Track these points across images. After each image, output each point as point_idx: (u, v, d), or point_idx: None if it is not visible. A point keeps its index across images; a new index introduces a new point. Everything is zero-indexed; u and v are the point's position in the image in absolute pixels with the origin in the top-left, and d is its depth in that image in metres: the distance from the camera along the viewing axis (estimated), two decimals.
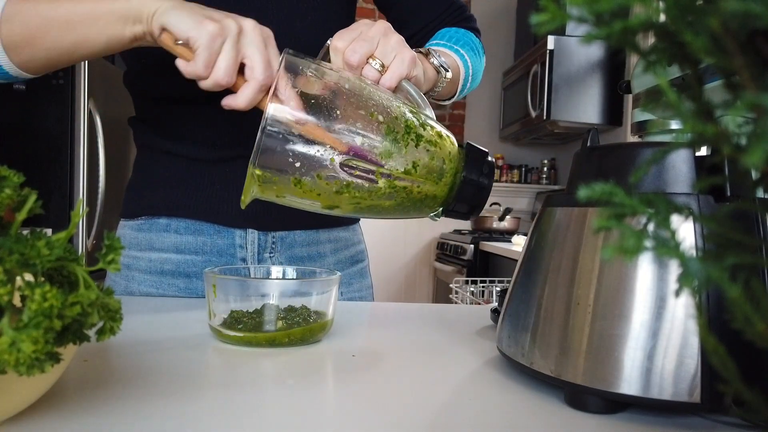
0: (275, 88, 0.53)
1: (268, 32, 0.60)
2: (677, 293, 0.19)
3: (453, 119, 3.90)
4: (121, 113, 2.59)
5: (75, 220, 0.32)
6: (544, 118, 2.95)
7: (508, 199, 3.75)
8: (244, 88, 0.57)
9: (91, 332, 0.34)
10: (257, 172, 0.54)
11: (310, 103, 0.53)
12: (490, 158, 0.59)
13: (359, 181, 0.54)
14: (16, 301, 0.30)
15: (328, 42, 0.61)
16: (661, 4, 0.18)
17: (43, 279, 0.32)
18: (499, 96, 3.82)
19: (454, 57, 0.79)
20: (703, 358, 0.37)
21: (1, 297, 0.28)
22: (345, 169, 0.53)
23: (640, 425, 0.39)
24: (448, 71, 0.72)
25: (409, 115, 0.56)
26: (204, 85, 0.57)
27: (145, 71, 0.82)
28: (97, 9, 0.61)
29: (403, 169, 0.54)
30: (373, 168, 0.54)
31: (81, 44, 0.62)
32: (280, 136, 0.52)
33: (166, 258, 0.83)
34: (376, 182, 0.54)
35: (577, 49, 2.92)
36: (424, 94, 0.64)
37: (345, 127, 0.53)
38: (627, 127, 2.89)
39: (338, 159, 0.53)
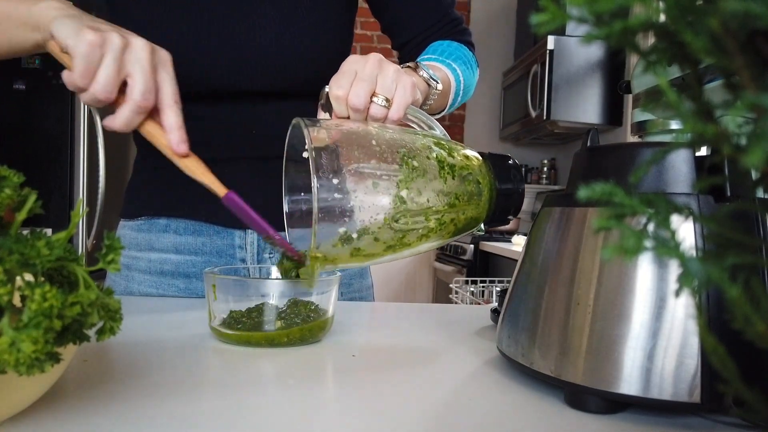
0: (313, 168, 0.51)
1: (164, 56, 0.58)
2: (677, 293, 0.19)
3: (453, 119, 3.90)
4: None
5: (75, 220, 0.32)
6: (544, 118, 2.94)
7: None
8: (121, 108, 0.55)
9: (91, 332, 0.34)
10: (318, 255, 0.53)
11: (347, 169, 0.52)
12: (511, 161, 0.60)
13: (412, 228, 0.55)
14: (16, 301, 0.30)
15: (326, 89, 0.60)
16: (661, 4, 0.18)
17: (43, 279, 0.32)
18: (499, 96, 3.82)
19: (445, 70, 0.78)
20: (703, 358, 0.37)
21: (1, 297, 0.28)
22: (398, 225, 0.54)
23: (640, 425, 0.39)
24: (438, 83, 0.71)
25: (435, 148, 0.56)
26: (84, 98, 0.55)
27: None
28: (15, 9, 0.60)
29: (448, 204, 0.55)
30: (422, 215, 0.54)
31: None
32: (332, 215, 0.52)
33: (166, 258, 0.83)
34: (430, 226, 0.55)
35: (577, 49, 2.92)
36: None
37: (386, 184, 0.53)
38: (627, 127, 2.89)
39: (390, 218, 0.53)
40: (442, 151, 0.56)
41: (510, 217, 0.61)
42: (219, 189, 0.58)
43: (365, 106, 0.58)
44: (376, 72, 0.59)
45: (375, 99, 0.58)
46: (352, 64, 0.60)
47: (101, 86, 0.53)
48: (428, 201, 0.54)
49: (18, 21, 0.60)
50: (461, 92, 0.83)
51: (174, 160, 0.58)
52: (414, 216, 0.54)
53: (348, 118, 0.59)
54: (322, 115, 0.63)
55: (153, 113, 0.57)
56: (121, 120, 0.55)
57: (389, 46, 0.95)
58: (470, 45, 0.91)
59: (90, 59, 0.53)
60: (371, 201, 0.53)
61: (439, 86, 0.71)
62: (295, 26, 0.79)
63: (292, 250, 0.57)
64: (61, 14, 0.57)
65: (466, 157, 0.58)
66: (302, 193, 0.62)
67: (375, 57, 0.61)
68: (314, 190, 0.50)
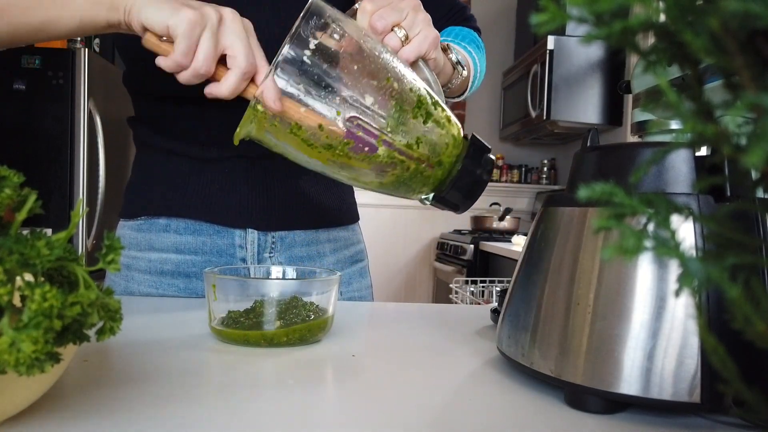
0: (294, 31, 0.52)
1: (249, 24, 0.59)
2: (677, 293, 0.19)
3: None
4: (121, 113, 2.59)
5: (75, 220, 0.32)
6: (544, 118, 2.95)
7: (508, 199, 3.75)
8: (227, 75, 0.56)
9: (91, 332, 0.34)
10: (259, 107, 0.53)
11: (328, 53, 0.53)
12: (491, 155, 0.59)
13: (359, 143, 0.54)
14: (16, 301, 0.30)
15: (357, 4, 0.61)
16: (661, 4, 0.18)
17: (43, 279, 0.32)
18: (499, 96, 3.82)
19: (465, 54, 0.79)
20: (703, 358, 0.37)
21: (1, 297, 0.28)
22: (348, 125, 0.53)
23: (640, 425, 0.39)
24: (464, 69, 0.72)
25: (423, 91, 0.56)
26: (183, 76, 0.56)
27: (145, 71, 0.82)
28: None
29: (405, 142, 0.54)
30: (376, 132, 0.54)
31: (51, 23, 0.61)
32: (294, 71, 0.52)
33: (166, 258, 0.83)
34: (376, 149, 0.54)
35: (577, 49, 2.92)
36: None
37: (358, 85, 0.53)
38: (627, 127, 2.89)
39: (345, 113, 0.53)
40: (428, 97, 0.56)
41: (461, 205, 0.60)
42: (336, 127, 0.57)
43: (384, 30, 0.58)
44: (408, 10, 0.60)
45: (396, 30, 0.59)
46: None
47: (201, 62, 0.55)
48: (387, 123, 0.54)
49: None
50: (478, 76, 0.84)
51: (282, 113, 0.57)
52: (367, 128, 0.53)
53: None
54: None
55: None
56: (227, 87, 0.56)
57: None
58: (478, 30, 0.92)
59: (192, 37, 0.54)
60: (338, 87, 0.53)
61: (464, 72, 0.72)
62: (293, 19, 0.79)
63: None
64: (143, 1, 0.56)
65: (448, 120, 0.57)
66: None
67: (415, 0, 0.61)
68: (292, 32, 0.52)
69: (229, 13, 0.57)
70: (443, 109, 0.57)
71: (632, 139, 0.80)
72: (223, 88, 0.56)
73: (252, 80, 0.57)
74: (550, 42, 2.90)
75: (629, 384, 0.38)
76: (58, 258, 0.31)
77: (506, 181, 3.81)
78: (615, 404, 0.40)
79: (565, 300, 0.42)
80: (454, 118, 0.58)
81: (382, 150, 0.54)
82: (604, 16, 0.18)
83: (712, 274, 0.18)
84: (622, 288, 0.39)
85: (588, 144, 0.48)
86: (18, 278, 0.30)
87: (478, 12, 3.78)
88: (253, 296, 0.57)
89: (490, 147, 0.60)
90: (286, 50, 0.52)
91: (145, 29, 0.57)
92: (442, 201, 0.60)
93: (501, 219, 3.31)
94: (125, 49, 0.83)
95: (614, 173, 0.44)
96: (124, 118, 0.97)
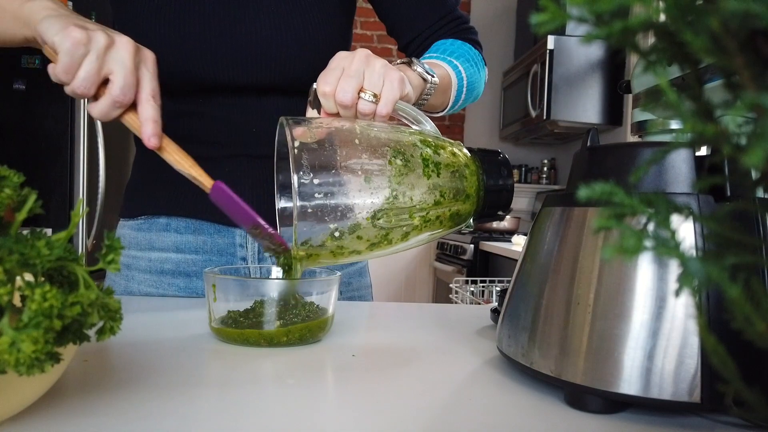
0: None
1: (147, 55, 0.60)
2: (677, 293, 0.19)
3: (453, 119, 3.90)
4: None
5: (75, 220, 0.32)
6: (544, 117, 2.94)
7: None
8: (100, 99, 0.57)
9: (91, 332, 0.34)
10: (301, 253, 0.55)
11: (328, 170, 0.53)
12: (502, 157, 0.60)
13: (396, 226, 0.55)
14: (16, 301, 0.30)
15: (314, 86, 0.61)
16: (661, 4, 0.18)
17: (43, 279, 0.32)
18: (499, 96, 3.82)
19: (444, 66, 0.78)
20: (703, 358, 0.37)
21: (1, 297, 0.28)
22: (379, 224, 0.54)
23: (640, 425, 0.39)
24: (433, 77, 0.70)
25: (421, 145, 0.56)
26: (66, 90, 0.57)
27: None
28: (8, 3, 0.64)
29: (433, 202, 0.55)
30: (406, 212, 0.55)
31: None
32: (314, 214, 0.53)
33: (166, 257, 0.83)
34: (414, 224, 0.56)
35: (577, 49, 2.92)
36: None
37: (371, 183, 0.53)
38: (627, 127, 2.89)
39: (372, 215, 0.54)
40: (427, 148, 0.56)
41: (500, 213, 0.61)
42: (205, 180, 0.60)
43: (353, 102, 0.58)
44: (363, 67, 0.59)
45: (363, 95, 0.58)
46: (339, 60, 0.60)
47: (80, 81, 0.56)
48: (412, 199, 0.54)
49: (10, 14, 0.63)
50: (464, 89, 0.82)
51: (159, 153, 0.61)
52: (397, 214, 0.54)
53: (337, 114, 0.60)
54: (310, 112, 0.63)
55: (135, 107, 0.60)
56: (98, 109, 0.58)
57: (390, 47, 0.95)
58: (475, 43, 0.90)
59: (73, 55, 0.55)
60: (354, 200, 0.53)
61: (435, 80, 0.71)
62: (293, 19, 0.79)
63: (281, 240, 0.56)
64: (50, 14, 0.59)
65: (453, 153, 0.58)
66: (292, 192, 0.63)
67: (362, 52, 0.60)
68: (294, 188, 0.51)
69: (121, 41, 0.58)
70: (444, 147, 0.58)
71: (632, 138, 0.80)
72: (93, 110, 0.58)
73: (132, 109, 0.59)
74: (550, 42, 2.90)
75: (629, 384, 0.38)
76: (58, 258, 0.31)
77: None
78: (615, 404, 0.40)
79: (565, 300, 0.42)
80: (455, 146, 0.59)
81: (417, 220, 0.55)
82: (604, 16, 0.18)
83: (712, 274, 0.18)
84: (622, 288, 0.39)
85: (588, 144, 0.48)
86: (18, 278, 0.30)
87: (478, 12, 3.79)
88: (252, 296, 0.57)
89: (497, 150, 0.61)
90: (298, 193, 0.52)
91: (39, 35, 0.59)
92: (483, 220, 0.61)
93: (501, 219, 3.31)
94: None
95: (614, 173, 0.44)
96: None
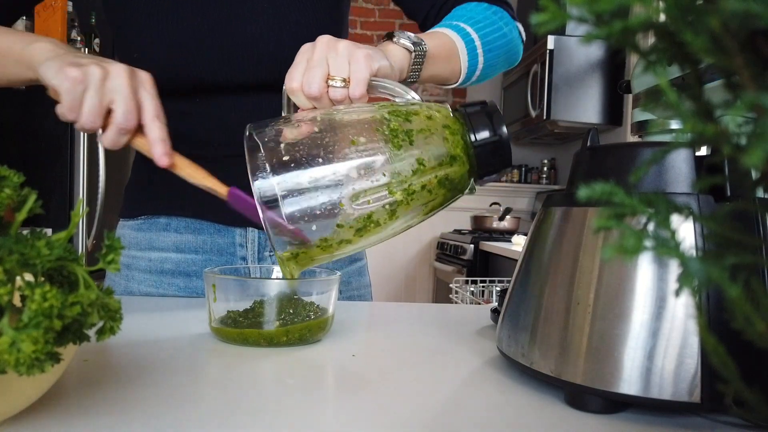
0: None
1: (143, 77, 0.61)
2: (677, 293, 0.19)
3: None
4: None
5: (75, 220, 0.32)
6: (544, 117, 2.94)
7: (508, 199, 3.75)
8: (107, 130, 0.59)
9: (91, 332, 0.34)
10: (284, 255, 0.54)
11: (290, 165, 0.52)
12: (489, 106, 0.55)
13: (377, 206, 0.52)
14: (16, 301, 0.30)
15: (284, 87, 0.60)
16: (661, 4, 0.18)
17: (43, 279, 0.32)
18: (499, 96, 3.82)
19: (445, 32, 0.74)
20: (703, 358, 0.37)
21: (1, 297, 0.28)
22: (358, 205, 0.52)
23: (640, 425, 0.39)
24: (421, 45, 0.67)
25: (388, 116, 0.53)
26: (77, 127, 0.59)
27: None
28: (10, 48, 0.67)
29: (411, 172, 0.52)
30: (383, 189, 0.52)
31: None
32: (280, 216, 0.52)
33: (166, 257, 0.83)
34: (396, 199, 0.52)
35: (577, 48, 2.92)
36: (407, 79, 0.62)
37: (335, 167, 0.52)
38: (627, 127, 2.89)
39: (346, 200, 0.52)
40: (396, 119, 0.53)
41: (502, 169, 0.56)
42: (220, 188, 0.59)
43: (321, 92, 0.57)
44: (326, 54, 0.58)
45: (331, 82, 0.57)
46: (302, 54, 0.59)
47: (86, 117, 0.58)
48: (384, 175, 0.51)
49: (14, 58, 0.66)
50: (480, 51, 0.77)
51: (171, 170, 0.62)
52: (374, 193, 0.52)
53: (314, 108, 0.58)
54: (285, 112, 0.62)
55: (142, 129, 0.61)
56: (107, 140, 0.60)
57: None
58: (501, 3, 0.86)
59: (74, 94, 0.57)
60: (324, 191, 0.51)
61: (424, 47, 0.67)
62: (289, 17, 0.79)
63: (302, 235, 0.55)
64: (48, 56, 0.61)
65: (428, 117, 0.54)
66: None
67: (323, 39, 0.59)
68: (257, 195, 0.51)
69: (115, 70, 0.59)
70: (418, 113, 0.54)
71: (632, 138, 0.80)
72: (104, 141, 0.60)
73: (140, 133, 0.61)
74: (550, 42, 2.90)
75: (629, 384, 0.38)
76: (58, 258, 0.31)
77: (506, 181, 3.81)
78: (615, 404, 0.40)
79: (565, 300, 0.42)
80: (434, 108, 0.55)
81: (399, 195, 0.52)
82: (604, 16, 0.18)
83: (712, 274, 0.18)
84: (622, 288, 0.39)
85: (588, 144, 0.48)
86: (18, 278, 0.30)
87: None
88: (252, 296, 0.57)
89: (485, 101, 0.56)
90: (257, 190, 0.52)
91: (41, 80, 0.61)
92: (485, 179, 0.57)
93: (501, 219, 3.31)
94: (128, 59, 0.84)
95: (614, 173, 0.44)
96: None
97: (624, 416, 0.40)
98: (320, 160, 0.52)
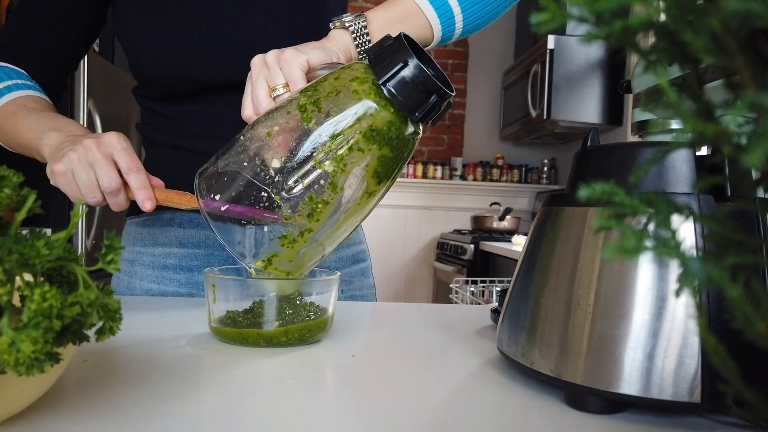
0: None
1: (108, 140, 0.66)
2: (677, 293, 0.19)
3: (453, 119, 3.90)
4: (120, 113, 2.59)
5: (74, 220, 0.32)
6: (544, 117, 2.95)
7: (508, 199, 3.75)
8: (112, 199, 0.66)
9: (91, 332, 0.34)
10: (254, 266, 0.56)
11: (222, 179, 0.54)
12: (394, 40, 0.51)
13: (312, 184, 0.52)
14: (16, 301, 0.30)
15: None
16: (661, 3, 0.18)
17: (42, 279, 0.32)
18: (499, 96, 3.82)
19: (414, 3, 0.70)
20: (704, 358, 0.37)
21: (1, 297, 0.28)
22: (294, 192, 0.52)
23: (640, 425, 0.39)
24: (358, 19, 0.65)
25: (298, 95, 0.54)
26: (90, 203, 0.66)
27: (152, 85, 0.84)
28: (26, 137, 0.75)
29: (329, 137, 0.50)
30: (311, 164, 0.51)
31: (21, 149, 0.78)
32: (229, 228, 0.54)
33: (169, 252, 0.84)
34: (328, 171, 0.51)
35: (578, 48, 2.92)
36: (360, 54, 0.63)
37: (258, 165, 0.53)
38: (627, 127, 2.89)
39: (279, 192, 0.52)
40: (304, 94, 0.53)
41: (432, 99, 0.50)
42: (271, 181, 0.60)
43: (268, 106, 0.59)
44: (261, 72, 0.60)
45: (274, 93, 0.59)
46: (246, 83, 0.63)
47: (87, 196, 0.65)
48: (308, 152, 0.51)
49: (30, 148, 0.75)
50: (456, 8, 0.72)
51: (162, 205, 0.69)
52: (303, 175, 0.51)
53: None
54: None
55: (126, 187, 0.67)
56: (112, 204, 0.67)
57: None
58: None
59: (69, 184, 0.66)
60: (254, 191, 0.52)
61: (362, 20, 0.65)
62: (284, 14, 0.80)
63: (271, 216, 0.55)
64: (48, 153, 0.70)
65: (336, 78, 0.53)
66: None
67: (256, 60, 0.62)
68: (205, 217, 0.55)
69: (88, 144, 0.65)
70: (323, 80, 0.53)
71: (632, 138, 0.79)
72: (112, 208, 0.68)
73: (126, 189, 0.67)
74: (551, 41, 2.90)
75: (629, 384, 0.38)
76: (57, 258, 0.31)
77: (506, 181, 3.81)
78: (615, 404, 0.40)
79: (566, 300, 0.42)
80: (348, 67, 0.53)
81: (329, 166, 0.51)
82: (605, 16, 0.18)
83: (713, 274, 0.18)
84: (622, 288, 0.39)
85: (588, 144, 0.48)
86: (18, 278, 0.30)
87: None
88: (252, 296, 0.57)
89: (386, 35, 0.52)
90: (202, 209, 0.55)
91: None
92: (424, 119, 0.52)
93: (501, 219, 3.31)
94: (134, 69, 0.85)
95: (614, 173, 0.44)
96: (123, 118, 0.99)
97: (624, 416, 0.40)
98: (245, 164, 0.53)
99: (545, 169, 3.82)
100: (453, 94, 0.53)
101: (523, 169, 3.83)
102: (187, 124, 0.84)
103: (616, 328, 0.39)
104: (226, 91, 0.81)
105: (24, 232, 0.32)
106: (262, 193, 0.52)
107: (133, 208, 0.88)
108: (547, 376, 0.42)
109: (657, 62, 0.19)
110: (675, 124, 0.62)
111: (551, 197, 0.48)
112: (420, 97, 0.50)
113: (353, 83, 0.51)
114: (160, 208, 0.85)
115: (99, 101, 2.53)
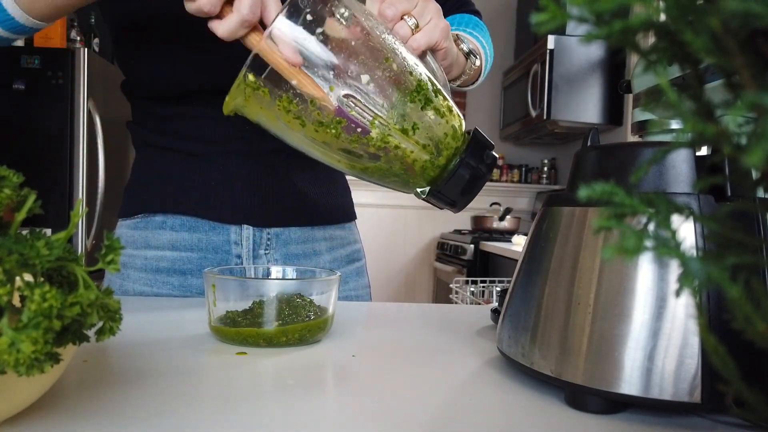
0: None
1: None
2: (677, 293, 0.19)
3: None
4: (120, 113, 2.59)
5: (74, 220, 0.32)
6: (545, 117, 2.95)
7: (508, 199, 3.75)
8: (227, 17, 0.54)
9: (91, 332, 0.34)
10: (250, 77, 0.51)
11: (330, 23, 0.51)
12: (494, 152, 0.58)
13: (351, 122, 0.51)
14: (16, 301, 0.30)
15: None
16: (661, 3, 0.18)
17: (42, 279, 0.32)
18: (499, 96, 3.82)
19: (475, 42, 0.78)
20: (704, 358, 0.37)
21: (1, 297, 0.28)
22: (341, 102, 0.51)
23: (640, 425, 0.39)
24: (477, 58, 0.70)
25: (424, 77, 0.54)
26: (189, 8, 0.55)
27: (139, 78, 0.84)
28: None
29: (401, 127, 0.52)
30: (370, 114, 0.51)
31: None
32: (295, 28, 0.50)
33: (162, 255, 0.83)
34: (369, 131, 0.52)
35: (578, 48, 2.92)
36: (453, 80, 0.63)
37: (355, 62, 0.51)
38: (627, 127, 2.89)
39: (339, 90, 0.51)
40: (429, 84, 0.54)
41: (458, 201, 0.57)
42: (328, 102, 0.54)
43: (394, 19, 0.57)
44: (418, 1, 0.59)
45: (406, 18, 0.58)
46: None
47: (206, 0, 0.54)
48: (382, 106, 0.51)
49: None
50: (489, 61, 0.82)
51: (285, 74, 0.54)
52: (362, 108, 0.51)
53: None
54: None
55: (256, 27, 0.56)
56: (224, 29, 0.54)
57: None
58: (478, 14, 0.91)
59: None
60: (334, 59, 0.51)
61: (477, 62, 0.70)
62: None
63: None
64: None
65: (450, 109, 0.55)
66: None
67: None
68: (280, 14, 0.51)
69: None
70: (445, 99, 0.55)
71: (632, 138, 0.79)
72: (220, 29, 0.55)
73: (257, 29, 0.55)
74: (551, 41, 2.90)
75: (629, 384, 0.38)
76: (57, 258, 0.31)
77: (506, 181, 3.81)
78: (615, 404, 0.40)
79: (566, 300, 0.42)
80: (456, 110, 0.56)
81: (375, 132, 0.52)
82: (605, 16, 0.18)
83: (713, 274, 0.18)
84: (622, 288, 0.39)
85: (588, 144, 0.48)
86: (18, 278, 0.30)
87: None
88: (252, 296, 0.57)
89: (492, 143, 0.58)
90: (282, 19, 0.50)
91: None
92: (437, 196, 0.57)
93: (501, 219, 3.31)
94: (122, 58, 0.84)
95: (614, 173, 0.44)
96: (123, 118, 0.99)
97: (624, 416, 0.40)
98: (354, 44, 0.51)
99: (545, 169, 3.82)
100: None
101: (523, 169, 3.83)
102: (182, 125, 0.84)
103: (616, 328, 0.39)
104: (217, 94, 0.81)
105: (24, 232, 0.32)
106: (329, 76, 0.51)
107: (125, 209, 0.87)
108: (548, 376, 0.42)
109: (657, 62, 0.19)
110: (675, 124, 0.62)
111: (551, 197, 0.48)
112: (451, 192, 0.57)
113: (451, 129, 0.55)
114: (152, 211, 0.84)
115: (99, 101, 2.52)
